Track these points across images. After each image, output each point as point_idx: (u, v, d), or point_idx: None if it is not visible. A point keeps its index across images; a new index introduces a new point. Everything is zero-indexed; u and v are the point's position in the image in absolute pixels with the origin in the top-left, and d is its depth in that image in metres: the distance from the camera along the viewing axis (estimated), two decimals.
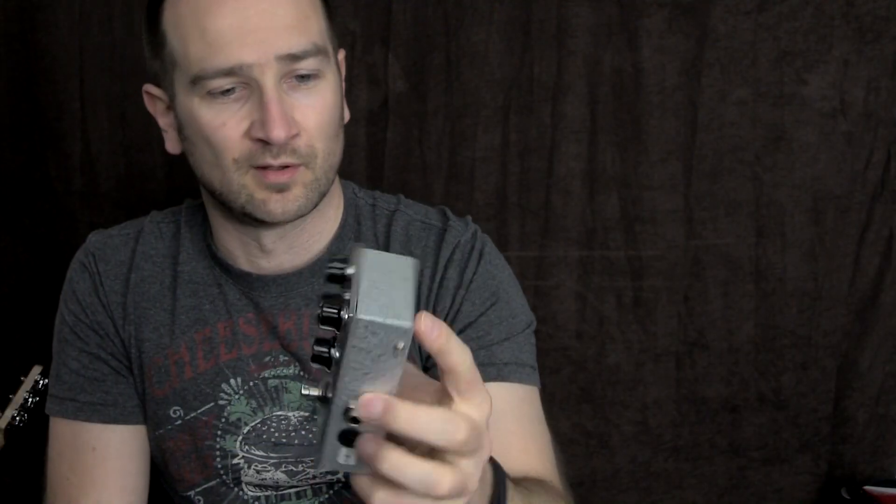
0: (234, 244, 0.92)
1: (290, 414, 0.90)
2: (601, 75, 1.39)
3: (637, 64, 1.38)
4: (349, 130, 0.92)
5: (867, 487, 1.42)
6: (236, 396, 0.90)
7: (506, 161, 1.41)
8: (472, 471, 0.45)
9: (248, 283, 0.92)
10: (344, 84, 0.90)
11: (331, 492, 0.93)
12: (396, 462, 0.43)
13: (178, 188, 1.23)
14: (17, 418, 1.19)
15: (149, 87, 0.89)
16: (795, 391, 1.46)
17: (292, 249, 0.90)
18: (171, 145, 0.89)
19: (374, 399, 0.42)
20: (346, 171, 0.98)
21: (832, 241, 1.41)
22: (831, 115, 1.39)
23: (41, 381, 1.21)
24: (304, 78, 0.80)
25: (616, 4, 1.37)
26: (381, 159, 1.41)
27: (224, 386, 0.91)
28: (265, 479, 0.91)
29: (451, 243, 0.91)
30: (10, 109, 1.47)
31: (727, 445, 1.48)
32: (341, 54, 0.91)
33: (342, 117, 0.88)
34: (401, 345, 0.42)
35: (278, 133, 0.77)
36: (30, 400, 1.20)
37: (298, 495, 0.92)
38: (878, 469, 1.48)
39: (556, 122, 1.40)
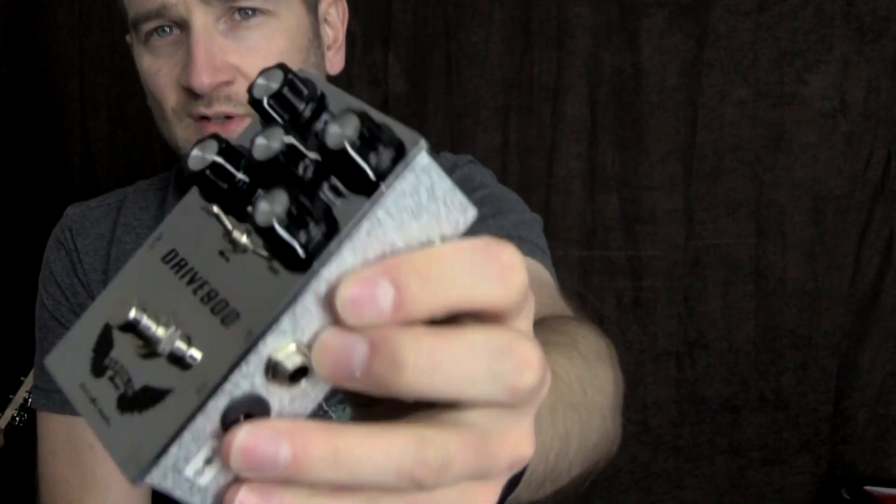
0: None
1: None
2: (601, 75, 1.39)
3: (637, 64, 1.38)
4: None
5: (867, 487, 1.42)
6: None
7: (506, 161, 1.41)
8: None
9: None
10: (335, 32, 0.84)
11: None
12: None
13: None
14: (17, 418, 1.19)
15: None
16: (795, 391, 1.45)
17: None
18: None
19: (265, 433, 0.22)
20: None
21: (832, 241, 1.41)
22: (831, 115, 1.39)
23: None
24: (247, 15, 0.73)
25: (616, 4, 1.37)
26: None
27: None
28: None
29: None
30: (10, 109, 1.47)
31: (727, 445, 1.48)
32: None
33: (313, 64, 0.79)
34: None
35: (199, 80, 0.70)
36: (30, 400, 1.20)
37: None
38: (878, 469, 1.48)
39: (556, 122, 1.40)
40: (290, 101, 0.25)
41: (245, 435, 0.21)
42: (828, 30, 1.36)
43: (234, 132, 0.72)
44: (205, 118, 0.74)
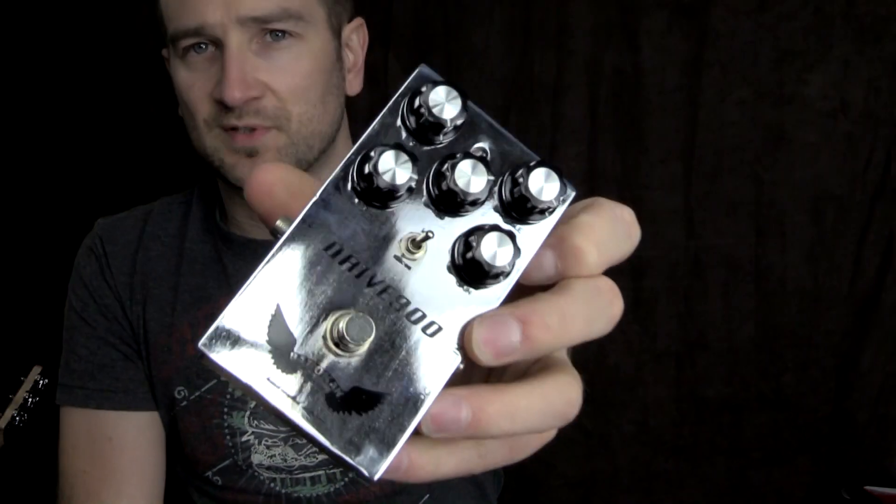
0: (238, 209, 0.91)
1: None
2: (601, 75, 1.39)
3: (637, 64, 1.38)
4: (350, 130, 0.92)
5: (867, 487, 1.42)
6: None
7: None
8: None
9: (252, 249, 0.90)
10: (355, 56, 0.89)
11: (346, 479, 0.90)
12: (509, 405, 0.26)
13: (179, 189, 1.23)
14: (17, 418, 1.19)
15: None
16: (795, 391, 1.46)
17: None
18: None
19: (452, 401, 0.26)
20: None
21: (832, 241, 1.41)
22: (831, 115, 1.38)
23: (41, 381, 1.21)
24: (277, 37, 0.79)
25: (616, 4, 1.37)
26: None
27: None
28: (274, 455, 0.89)
29: None
30: (11, 109, 1.47)
31: (727, 445, 1.48)
32: (354, 23, 0.89)
33: (334, 85, 0.85)
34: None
35: (232, 94, 0.76)
36: (30, 400, 1.20)
37: (313, 481, 0.89)
38: (878, 469, 1.48)
39: (556, 122, 1.40)
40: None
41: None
42: (828, 30, 1.36)
43: (263, 142, 0.79)
44: (234, 128, 0.80)
